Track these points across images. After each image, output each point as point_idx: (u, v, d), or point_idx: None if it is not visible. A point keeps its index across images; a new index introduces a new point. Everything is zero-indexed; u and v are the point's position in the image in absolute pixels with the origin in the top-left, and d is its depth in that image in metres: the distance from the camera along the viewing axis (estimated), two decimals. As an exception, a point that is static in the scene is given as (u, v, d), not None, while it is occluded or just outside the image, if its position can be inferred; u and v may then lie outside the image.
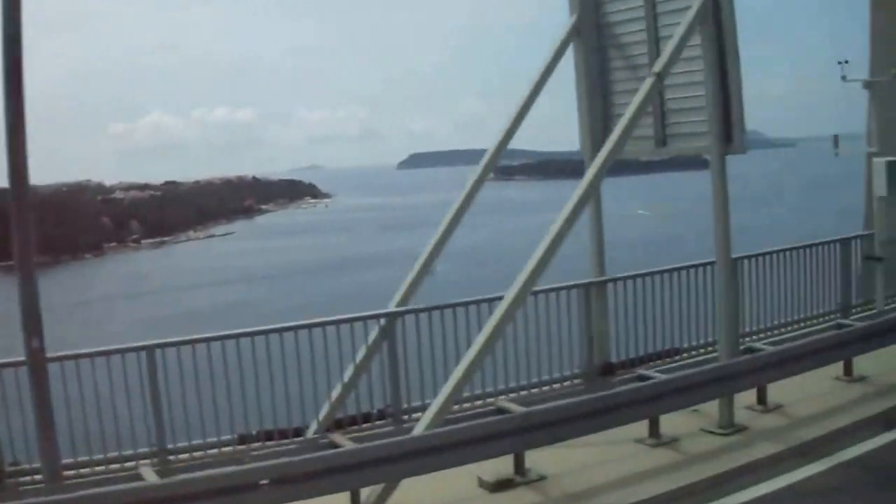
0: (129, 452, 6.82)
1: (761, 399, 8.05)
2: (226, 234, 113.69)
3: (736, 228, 7.80)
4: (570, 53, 8.68)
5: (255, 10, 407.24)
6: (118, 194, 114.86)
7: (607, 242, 8.88)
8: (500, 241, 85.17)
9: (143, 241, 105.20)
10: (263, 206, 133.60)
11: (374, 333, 7.71)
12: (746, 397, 7.91)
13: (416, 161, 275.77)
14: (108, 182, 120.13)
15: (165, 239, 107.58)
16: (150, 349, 6.76)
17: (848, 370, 8.76)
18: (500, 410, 7.30)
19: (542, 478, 6.66)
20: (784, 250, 9.72)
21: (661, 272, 8.81)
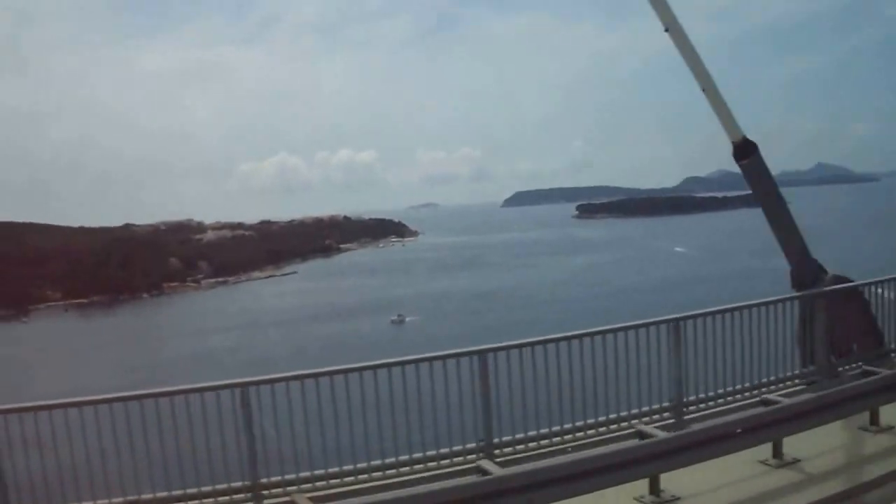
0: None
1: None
2: (287, 274, 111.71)
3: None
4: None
5: (374, 67, 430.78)
6: (210, 234, 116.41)
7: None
8: (529, 283, 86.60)
9: (204, 282, 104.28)
10: (343, 245, 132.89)
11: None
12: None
13: (520, 199, 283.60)
14: (208, 220, 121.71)
15: (228, 279, 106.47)
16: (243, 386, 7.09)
17: None
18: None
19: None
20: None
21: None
